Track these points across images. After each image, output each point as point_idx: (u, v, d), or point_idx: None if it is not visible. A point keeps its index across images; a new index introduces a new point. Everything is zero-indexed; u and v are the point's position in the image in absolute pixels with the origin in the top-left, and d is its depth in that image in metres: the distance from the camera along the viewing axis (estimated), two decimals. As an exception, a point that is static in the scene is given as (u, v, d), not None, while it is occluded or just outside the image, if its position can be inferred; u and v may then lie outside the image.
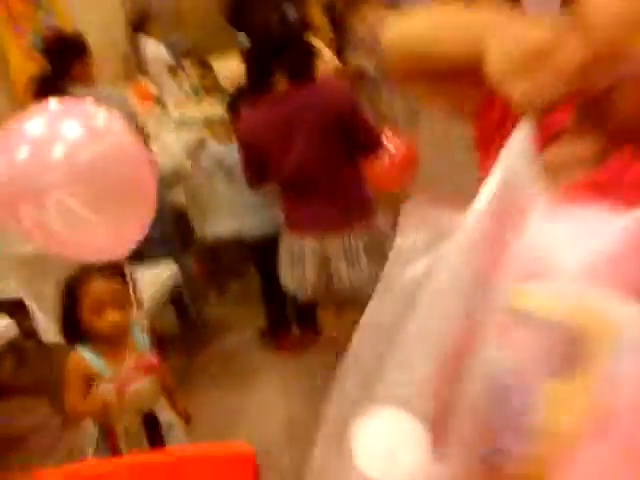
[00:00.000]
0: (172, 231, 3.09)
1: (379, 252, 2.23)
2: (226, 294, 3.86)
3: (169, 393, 1.82)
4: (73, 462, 1.56)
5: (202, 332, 3.22)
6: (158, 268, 2.98)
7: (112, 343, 1.68)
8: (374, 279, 0.63)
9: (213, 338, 3.26)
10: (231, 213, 3.04)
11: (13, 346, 3.21)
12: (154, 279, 2.84)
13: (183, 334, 3.25)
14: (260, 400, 2.68)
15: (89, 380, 1.65)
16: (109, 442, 1.66)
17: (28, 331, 2.85)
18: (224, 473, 0.98)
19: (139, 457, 1.01)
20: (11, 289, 2.76)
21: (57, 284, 1.69)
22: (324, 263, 2.25)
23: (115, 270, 1.69)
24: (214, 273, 3.79)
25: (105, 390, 1.64)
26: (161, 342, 2.99)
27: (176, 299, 3.14)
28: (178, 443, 1.74)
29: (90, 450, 1.69)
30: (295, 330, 3.10)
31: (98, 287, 1.64)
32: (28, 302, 2.71)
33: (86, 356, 1.66)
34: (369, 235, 2.26)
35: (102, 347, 1.68)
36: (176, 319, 3.26)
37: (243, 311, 3.56)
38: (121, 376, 1.66)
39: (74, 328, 1.67)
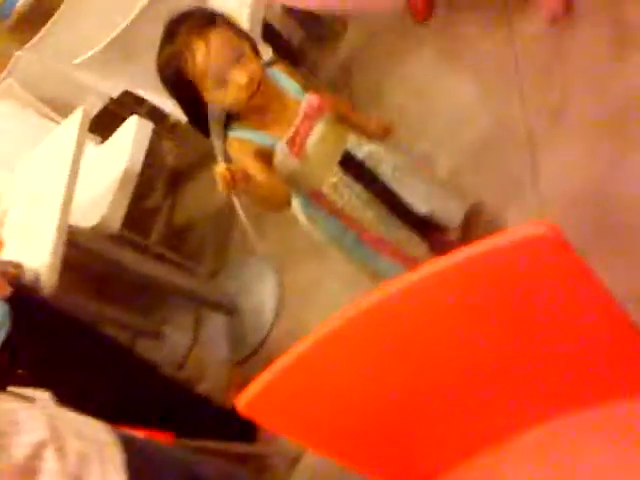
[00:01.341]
0: None
1: None
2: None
3: (351, 121, 1.46)
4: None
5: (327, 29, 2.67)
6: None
7: (260, 107, 1.28)
8: None
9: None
10: None
11: (162, 135, 3.05)
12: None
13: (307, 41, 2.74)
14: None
15: (267, 159, 1.34)
16: (320, 204, 1.41)
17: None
18: (533, 262, 0.64)
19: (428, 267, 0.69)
20: (119, 86, 2.44)
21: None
22: None
23: (203, 18, 1.25)
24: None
25: (285, 162, 1.32)
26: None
27: None
28: (390, 167, 1.43)
29: (302, 216, 1.46)
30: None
31: (204, 53, 1.20)
32: (136, 90, 2.39)
33: (244, 138, 1.30)
34: None
35: (253, 118, 1.29)
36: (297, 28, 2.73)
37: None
38: (293, 137, 1.31)
39: (206, 118, 1.31)
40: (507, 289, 0.69)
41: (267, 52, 2.03)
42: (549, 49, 1.81)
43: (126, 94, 2.57)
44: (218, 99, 1.25)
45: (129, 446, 0.85)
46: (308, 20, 2.65)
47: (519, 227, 0.64)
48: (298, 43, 2.75)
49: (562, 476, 0.81)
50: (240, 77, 1.21)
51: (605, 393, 0.77)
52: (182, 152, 3.18)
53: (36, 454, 0.78)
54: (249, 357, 2.01)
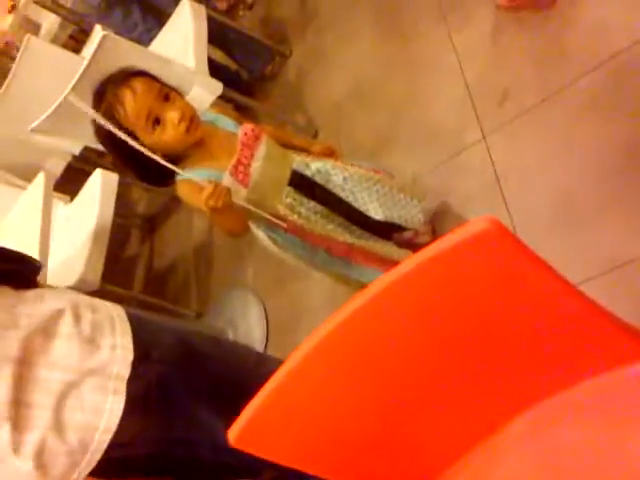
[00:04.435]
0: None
1: None
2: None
3: (294, 145, 1.50)
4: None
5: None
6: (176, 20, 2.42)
7: (200, 144, 1.34)
8: None
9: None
10: None
11: (130, 183, 3.06)
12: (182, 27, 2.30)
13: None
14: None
15: None
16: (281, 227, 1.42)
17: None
18: (481, 258, 0.67)
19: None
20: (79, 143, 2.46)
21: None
22: None
23: (125, 74, 1.31)
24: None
25: (234, 193, 1.33)
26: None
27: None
28: (340, 179, 1.45)
29: (270, 245, 1.47)
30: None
31: (131, 98, 1.27)
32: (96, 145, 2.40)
33: (192, 177, 1.31)
34: None
35: (195, 155, 1.35)
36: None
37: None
38: (235, 165, 1.33)
39: (149, 164, 1.33)
40: (463, 288, 0.71)
41: (217, 87, 2.06)
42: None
43: (88, 149, 2.59)
44: (158, 139, 1.29)
45: (136, 319, 1.07)
46: (250, 57, 2.66)
47: (461, 227, 0.66)
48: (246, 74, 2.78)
49: (552, 458, 0.84)
50: (172, 113, 1.29)
51: (578, 371, 0.80)
52: (152, 197, 3.20)
53: (55, 320, 0.97)
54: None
